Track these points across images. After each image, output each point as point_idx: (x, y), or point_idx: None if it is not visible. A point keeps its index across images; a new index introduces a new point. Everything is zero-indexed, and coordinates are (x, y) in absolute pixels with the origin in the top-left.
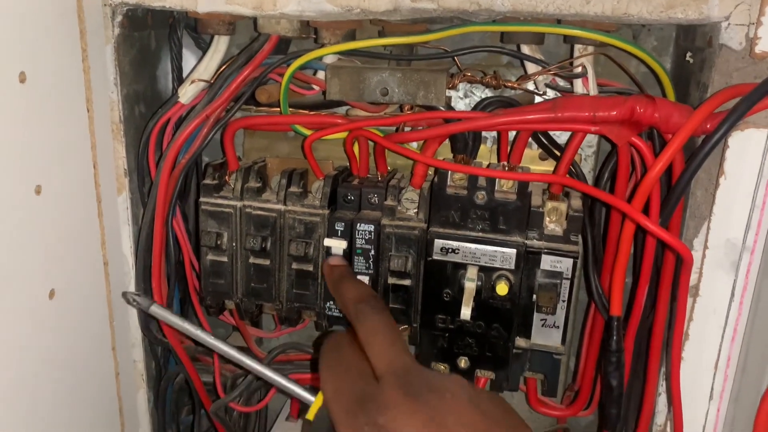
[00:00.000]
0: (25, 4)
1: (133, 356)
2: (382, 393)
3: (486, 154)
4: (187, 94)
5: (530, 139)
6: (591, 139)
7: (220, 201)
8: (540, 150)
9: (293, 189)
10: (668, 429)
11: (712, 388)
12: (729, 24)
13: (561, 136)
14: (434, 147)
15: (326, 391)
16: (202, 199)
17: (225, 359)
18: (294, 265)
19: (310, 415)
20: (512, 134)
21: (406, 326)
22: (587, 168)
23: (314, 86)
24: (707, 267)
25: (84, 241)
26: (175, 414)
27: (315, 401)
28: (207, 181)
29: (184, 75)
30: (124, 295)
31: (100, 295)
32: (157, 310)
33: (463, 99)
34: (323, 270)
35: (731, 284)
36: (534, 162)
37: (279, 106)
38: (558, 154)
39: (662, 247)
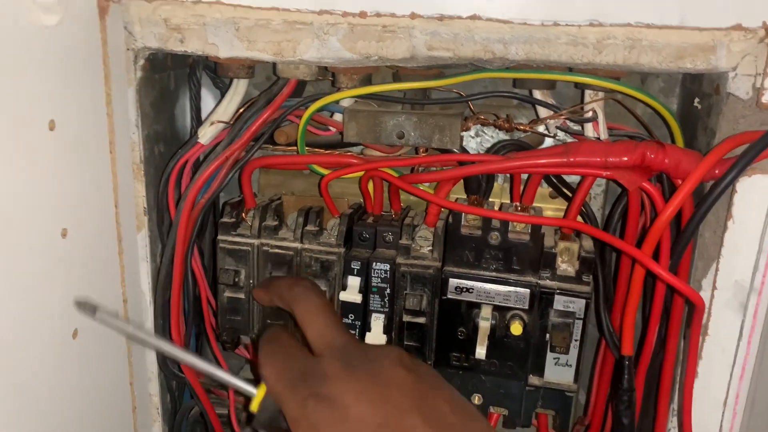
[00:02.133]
0: (55, 53)
1: (149, 390)
2: (322, 366)
3: (498, 191)
4: (206, 135)
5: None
6: (600, 179)
7: (237, 239)
8: (550, 190)
9: (309, 227)
10: None
11: (721, 426)
12: (736, 74)
13: (571, 176)
14: (448, 188)
15: (268, 376)
16: (220, 237)
17: (239, 393)
18: None
19: (254, 406)
20: (524, 175)
21: None
22: (596, 206)
23: (331, 128)
24: (716, 307)
25: (105, 281)
26: None
27: (258, 392)
28: (225, 219)
29: (203, 114)
30: (77, 302)
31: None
32: (102, 316)
33: (475, 138)
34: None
35: (739, 324)
36: (545, 200)
37: (296, 146)
38: (568, 194)
39: (671, 289)
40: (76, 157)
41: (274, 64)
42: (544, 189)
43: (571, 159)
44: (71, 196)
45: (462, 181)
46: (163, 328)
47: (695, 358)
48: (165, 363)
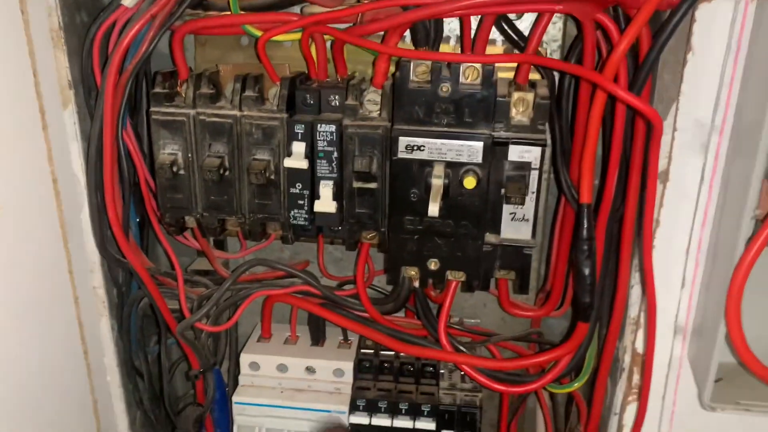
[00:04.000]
0: None
1: (93, 282)
2: None
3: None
4: None
5: (493, 36)
6: (555, 34)
7: (172, 110)
8: (504, 46)
9: (248, 93)
10: (641, 320)
11: (684, 276)
12: None
13: (526, 30)
14: (395, 39)
15: None
16: (153, 109)
17: (191, 282)
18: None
19: None
20: (475, 26)
21: (374, 233)
22: None
23: None
24: (676, 150)
25: (29, 155)
26: (142, 342)
27: None
28: (157, 89)
29: None
30: None
31: (51, 213)
32: None
33: None
34: None
35: (701, 167)
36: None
37: (229, 10)
38: (522, 45)
39: (631, 130)
40: None
41: None
42: (498, 48)
43: None
44: None
45: (409, 33)
46: (99, 210)
47: (653, 198)
48: (106, 249)
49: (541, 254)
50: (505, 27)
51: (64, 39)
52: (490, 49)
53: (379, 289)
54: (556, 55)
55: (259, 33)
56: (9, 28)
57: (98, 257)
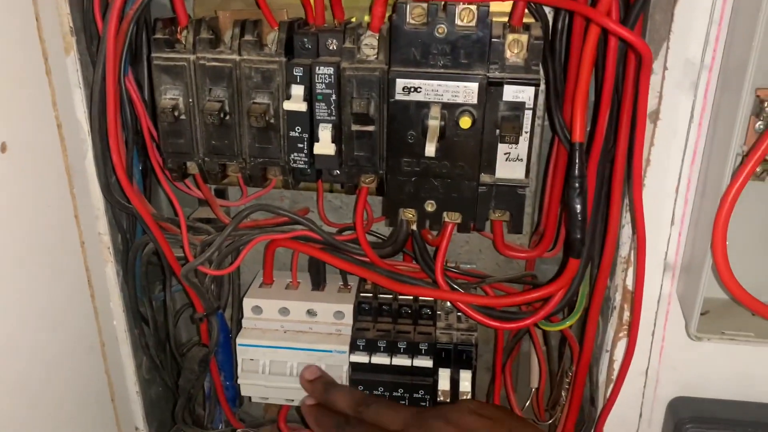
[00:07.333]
0: None
1: (98, 228)
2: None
3: None
4: None
5: None
6: None
7: (172, 55)
8: None
9: (248, 38)
10: (632, 259)
11: (673, 213)
12: None
13: None
14: None
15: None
16: (153, 55)
17: (193, 230)
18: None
19: None
20: None
21: (372, 176)
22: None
23: None
24: (667, 89)
25: (33, 96)
26: (146, 289)
27: None
28: (158, 35)
29: None
30: None
31: (57, 157)
32: None
33: None
34: (301, 383)
35: (690, 105)
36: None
37: None
38: None
39: (622, 70)
40: None
41: None
42: None
43: None
44: None
45: None
46: (103, 155)
47: (642, 134)
48: (110, 192)
49: (535, 200)
50: None
51: None
52: None
53: (378, 235)
54: None
55: None
56: None
57: (103, 203)
